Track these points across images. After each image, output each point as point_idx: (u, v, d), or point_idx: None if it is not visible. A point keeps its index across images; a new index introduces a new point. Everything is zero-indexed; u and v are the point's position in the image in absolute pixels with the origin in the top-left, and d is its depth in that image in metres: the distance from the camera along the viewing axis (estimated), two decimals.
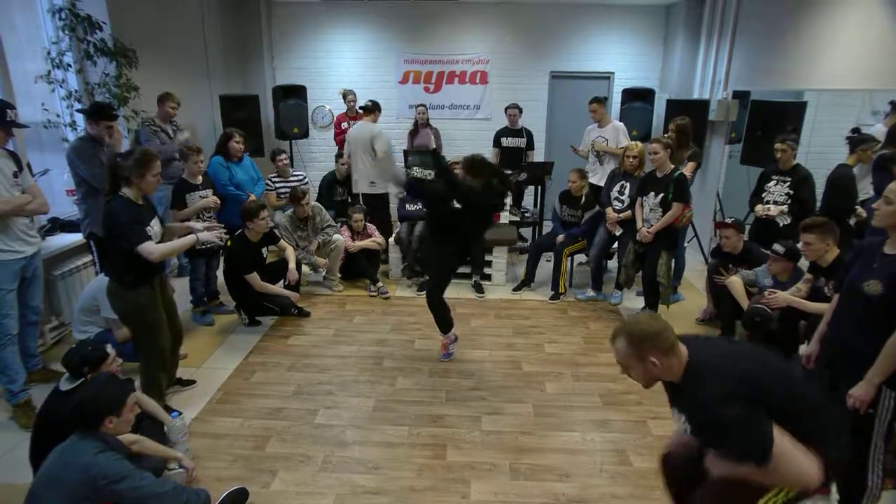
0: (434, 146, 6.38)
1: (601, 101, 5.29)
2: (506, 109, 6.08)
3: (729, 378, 1.64)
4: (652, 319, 1.78)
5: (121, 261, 2.70)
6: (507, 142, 6.02)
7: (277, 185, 5.35)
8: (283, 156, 5.37)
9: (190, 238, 2.88)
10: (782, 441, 1.58)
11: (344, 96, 6.32)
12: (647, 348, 1.70)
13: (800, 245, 3.09)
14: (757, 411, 1.58)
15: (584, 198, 4.86)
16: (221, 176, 4.51)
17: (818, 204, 4.06)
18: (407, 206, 5.26)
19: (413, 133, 6.48)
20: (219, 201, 4.13)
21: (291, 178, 5.40)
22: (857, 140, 3.93)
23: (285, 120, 6.31)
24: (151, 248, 2.66)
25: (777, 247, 3.48)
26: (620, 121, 6.45)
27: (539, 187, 6.04)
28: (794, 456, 1.59)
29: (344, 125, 6.28)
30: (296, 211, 4.79)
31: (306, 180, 5.54)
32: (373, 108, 5.38)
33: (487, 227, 3.68)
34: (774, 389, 1.67)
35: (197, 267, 4.18)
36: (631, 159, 4.42)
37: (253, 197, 4.62)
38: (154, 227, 2.80)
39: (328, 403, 3.22)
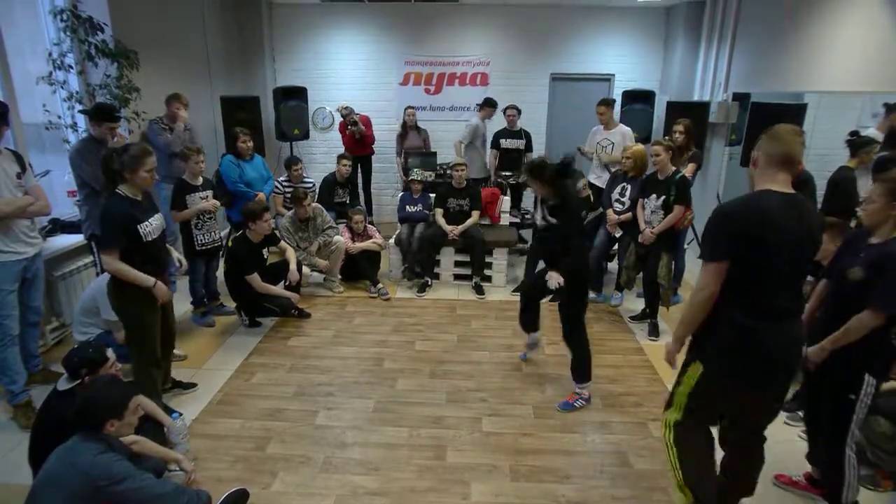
0: (424, 148, 6.39)
1: (609, 104, 5.27)
2: (504, 111, 6.09)
3: (737, 223, 1.90)
4: (789, 139, 1.93)
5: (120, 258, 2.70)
6: (506, 143, 6.03)
7: (287, 190, 5.37)
8: (299, 165, 5.43)
9: (148, 280, 2.76)
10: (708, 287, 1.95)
11: (339, 111, 6.35)
12: (763, 147, 1.96)
13: None
14: (730, 251, 1.89)
15: (587, 200, 4.87)
16: (232, 173, 4.66)
17: (818, 206, 4.06)
18: (407, 207, 5.27)
19: (402, 136, 6.48)
20: (218, 204, 4.15)
21: (301, 185, 5.40)
22: (859, 143, 3.93)
23: (286, 121, 6.31)
24: (110, 261, 2.65)
25: None
26: (621, 122, 6.47)
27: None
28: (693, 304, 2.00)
29: (347, 131, 6.32)
30: (297, 212, 4.79)
31: (314, 188, 5.56)
32: (483, 105, 6.14)
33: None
34: (767, 256, 1.89)
35: (197, 268, 4.18)
36: (624, 160, 4.42)
37: (261, 195, 4.67)
38: (153, 221, 2.80)
39: (328, 405, 3.23)
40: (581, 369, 3.24)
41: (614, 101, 5.53)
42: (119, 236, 2.66)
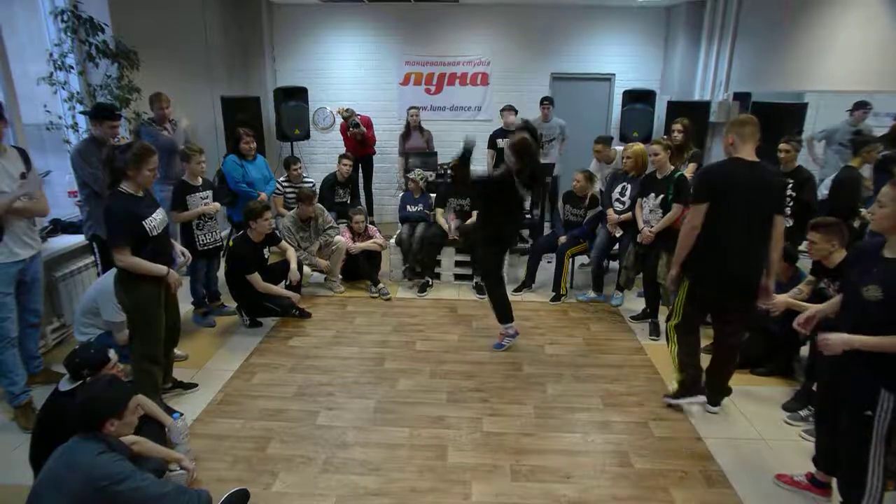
0: (427, 149, 6.38)
1: (606, 142, 5.17)
2: (501, 112, 6.09)
3: (713, 177, 2.83)
4: (752, 124, 2.76)
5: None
6: (502, 143, 6.02)
7: (287, 190, 5.37)
8: (298, 165, 5.43)
9: (161, 269, 2.82)
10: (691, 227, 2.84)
11: (339, 112, 6.33)
12: (734, 131, 2.78)
13: (804, 244, 3.09)
14: (708, 195, 2.77)
15: (588, 198, 4.87)
16: (235, 173, 4.70)
17: (819, 205, 4.05)
18: (408, 207, 5.27)
19: (405, 135, 6.48)
20: (219, 206, 4.15)
21: (301, 185, 5.40)
22: (861, 142, 3.92)
23: (286, 121, 6.32)
24: (123, 257, 2.68)
25: None
26: (621, 123, 6.46)
27: (541, 189, 6.04)
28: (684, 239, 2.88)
29: (349, 133, 6.30)
30: (303, 211, 4.77)
31: (314, 187, 5.56)
32: (542, 101, 6.30)
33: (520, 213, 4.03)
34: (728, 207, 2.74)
35: (198, 268, 4.18)
36: (625, 159, 4.42)
37: (263, 196, 4.69)
38: (157, 216, 2.82)
39: (329, 405, 3.23)
40: (501, 312, 3.83)
41: (611, 138, 5.46)
42: (127, 232, 2.68)
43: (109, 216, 2.69)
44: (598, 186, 5.06)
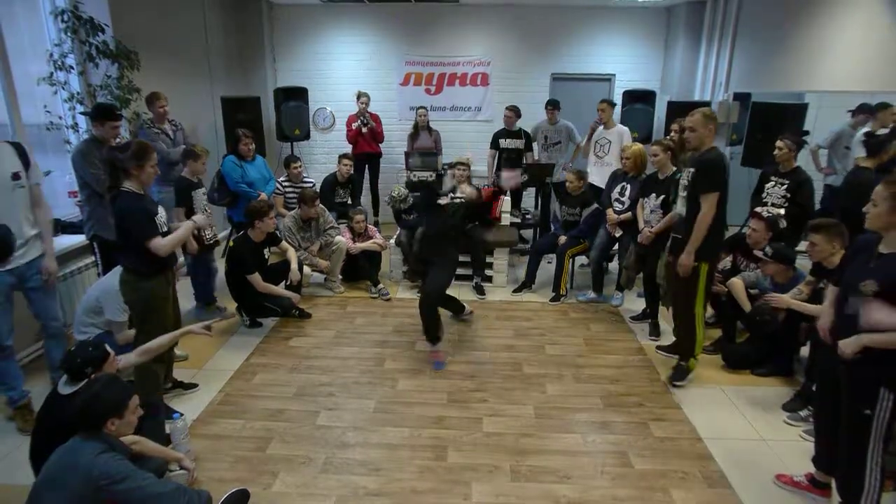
0: (435, 149, 6.38)
1: (611, 103, 5.32)
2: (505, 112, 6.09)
3: (725, 162, 3.23)
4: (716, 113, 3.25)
5: (137, 252, 2.74)
6: (505, 143, 6.03)
7: (287, 190, 5.37)
8: (298, 163, 5.43)
9: (188, 224, 2.92)
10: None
11: (358, 97, 6.31)
12: (711, 125, 3.16)
13: (806, 245, 3.09)
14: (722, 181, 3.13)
15: (581, 196, 4.88)
16: (234, 174, 4.73)
17: (819, 206, 4.04)
18: (403, 215, 5.24)
19: (413, 136, 6.49)
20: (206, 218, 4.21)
21: (302, 185, 5.41)
22: (878, 143, 3.89)
23: (287, 122, 6.32)
24: (160, 243, 2.72)
25: (766, 249, 3.48)
26: (622, 123, 6.45)
27: (541, 189, 6.04)
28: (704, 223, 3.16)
29: (354, 125, 6.31)
30: (305, 212, 4.77)
31: (314, 187, 5.56)
32: (547, 105, 6.16)
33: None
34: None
35: (204, 263, 4.21)
36: (623, 160, 4.43)
37: (263, 196, 4.70)
38: (162, 214, 2.86)
39: (329, 405, 3.23)
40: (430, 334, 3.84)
41: (615, 103, 5.54)
42: (151, 223, 2.72)
43: (127, 214, 2.69)
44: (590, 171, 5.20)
